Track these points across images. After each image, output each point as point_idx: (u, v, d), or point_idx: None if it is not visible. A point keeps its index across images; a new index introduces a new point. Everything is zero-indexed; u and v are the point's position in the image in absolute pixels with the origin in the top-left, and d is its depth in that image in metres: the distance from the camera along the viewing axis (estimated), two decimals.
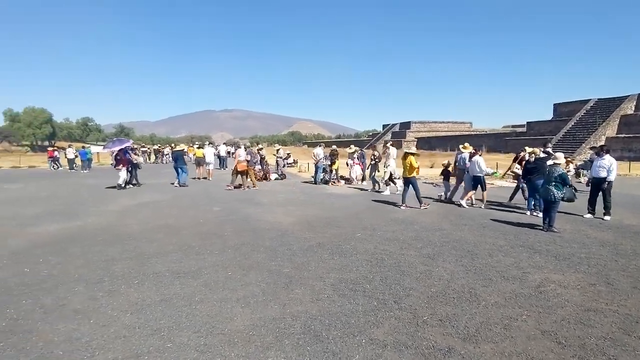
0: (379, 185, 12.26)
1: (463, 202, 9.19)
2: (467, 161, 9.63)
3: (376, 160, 12.79)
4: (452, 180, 10.52)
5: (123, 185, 12.95)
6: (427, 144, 53.59)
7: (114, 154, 13.61)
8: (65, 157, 25.30)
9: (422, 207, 8.82)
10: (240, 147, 14.99)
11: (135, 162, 14.18)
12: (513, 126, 65.02)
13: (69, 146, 26.20)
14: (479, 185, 9.14)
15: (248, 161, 13.03)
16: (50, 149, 28.96)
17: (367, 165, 14.20)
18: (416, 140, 57.03)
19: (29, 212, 8.76)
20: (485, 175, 9.29)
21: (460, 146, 10.14)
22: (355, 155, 14.71)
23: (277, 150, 19.59)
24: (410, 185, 9.08)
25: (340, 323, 3.25)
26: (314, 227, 6.95)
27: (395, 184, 12.02)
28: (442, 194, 10.51)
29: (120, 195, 11.40)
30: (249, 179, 13.00)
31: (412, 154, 9.17)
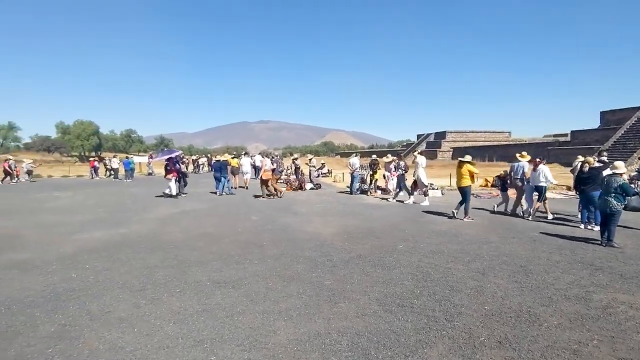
0: (408, 194, 11.82)
1: (529, 215, 8.73)
2: (525, 170, 9.13)
3: (403, 170, 12.35)
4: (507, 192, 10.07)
5: (173, 195, 13.07)
6: (463, 154, 51.79)
7: (165, 164, 13.78)
8: (105, 167, 26.80)
9: (466, 219, 8.45)
10: (267, 157, 15.18)
11: (184, 172, 14.60)
12: (554, 135, 62.09)
13: (114, 156, 27.49)
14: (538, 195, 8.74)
15: (273, 170, 13.26)
16: (91, 159, 30.57)
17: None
18: (452, 150, 55.59)
19: (77, 219, 9.11)
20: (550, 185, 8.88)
21: (517, 155, 9.68)
22: (392, 166, 14.41)
23: (310, 159, 19.62)
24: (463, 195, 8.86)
25: (389, 341, 3.05)
26: (353, 237, 6.77)
27: (426, 194, 11.69)
28: (497, 205, 10.02)
29: (162, 204, 11.70)
30: (270, 188, 13.09)
31: (469, 162, 8.86)
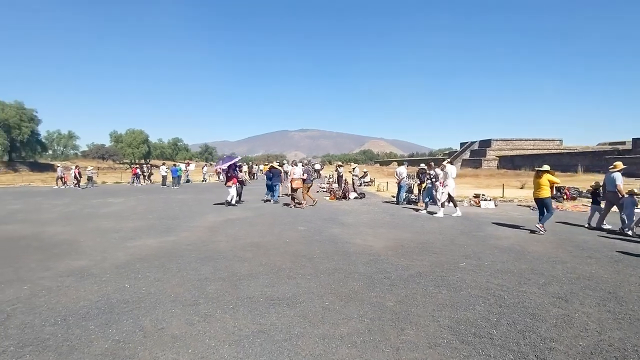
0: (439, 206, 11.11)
1: (629, 230, 7.97)
2: (618, 182, 8.34)
3: (432, 179, 11.67)
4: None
5: (232, 202, 13.12)
6: (510, 162, 49.63)
7: (224, 171, 13.73)
8: (143, 174, 28.26)
9: (538, 225, 8.06)
10: (297, 165, 14.96)
11: (241, 179, 14.68)
12: (610, 143, 57.97)
13: (163, 164, 28.53)
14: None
15: (304, 179, 13.26)
16: (133, 166, 32.03)
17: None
18: (497, 159, 53.19)
19: (129, 225, 9.31)
20: None
21: (610, 167, 8.87)
22: (437, 173, 13.78)
23: (353, 168, 19.26)
24: (544, 207, 8.39)
25: None
26: (408, 252, 6.34)
27: (456, 205, 11.04)
28: (589, 220, 9.22)
29: (208, 211, 11.79)
30: (298, 196, 13.23)
31: (548, 171, 8.26)
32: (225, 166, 13.46)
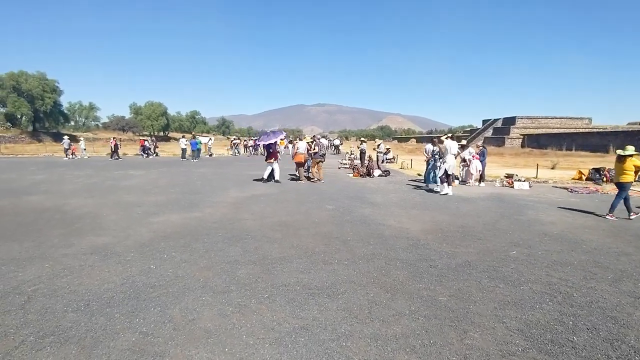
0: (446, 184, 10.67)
1: None
2: None
3: (436, 155, 11.08)
4: None
5: (274, 178, 12.55)
6: (535, 142, 47.81)
7: (266, 147, 12.78)
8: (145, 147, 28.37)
9: (609, 217, 7.55)
10: (301, 140, 14.64)
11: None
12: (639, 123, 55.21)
13: (183, 136, 28.31)
14: None
15: (314, 153, 13.15)
16: (142, 138, 31.99)
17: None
18: (522, 137, 51.31)
19: (152, 199, 9.07)
20: None
21: None
22: (470, 151, 13.08)
23: (378, 145, 18.60)
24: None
25: None
26: (449, 237, 5.86)
27: (449, 183, 10.57)
28: None
29: (231, 187, 11.48)
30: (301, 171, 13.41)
31: (634, 155, 7.56)
32: (272, 141, 12.65)
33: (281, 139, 15.29)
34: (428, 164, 12.82)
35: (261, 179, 12.75)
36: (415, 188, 11.84)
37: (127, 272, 4.22)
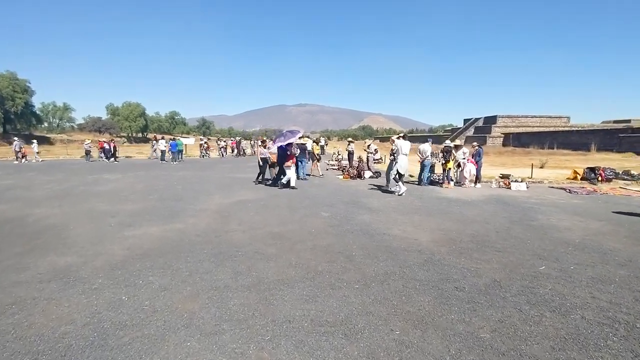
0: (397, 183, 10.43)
1: None
2: None
3: (394, 154, 10.74)
4: None
5: (294, 185, 11.21)
6: (516, 140, 48.30)
7: (282, 148, 11.55)
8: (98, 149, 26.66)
9: None
10: (271, 140, 14.08)
11: (265, 157, 13.09)
12: (615, 121, 56.65)
13: (162, 138, 27.12)
14: None
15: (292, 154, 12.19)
16: (101, 140, 29.73)
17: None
18: (503, 136, 51.80)
19: (127, 208, 8.19)
20: None
21: None
22: (464, 151, 12.59)
23: (368, 145, 18.00)
24: None
25: None
26: (464, 249, 5.24)
27: (398, 182, 10.28)
28: None
29: (214, 192, 10.64)
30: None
31: None
32: (290, 141, 11.55)
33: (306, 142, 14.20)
34: (423, 165, 12.28)
35: (267, 183, 11.81)
36: (410, 190, 11.25)
37: (93, 307, 3.43)
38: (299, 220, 7.00)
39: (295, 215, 7.45)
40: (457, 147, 12.63)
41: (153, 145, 28.34)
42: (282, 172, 11.70)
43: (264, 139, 14.34)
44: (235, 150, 33.21)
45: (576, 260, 4.80)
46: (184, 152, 27.36)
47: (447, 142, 12.67)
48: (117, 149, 27.60)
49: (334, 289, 3.86)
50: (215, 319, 3.21)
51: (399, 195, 10.07)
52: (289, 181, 11.19)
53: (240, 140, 36.43)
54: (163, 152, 25.00)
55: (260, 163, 12.52)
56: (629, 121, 53.37)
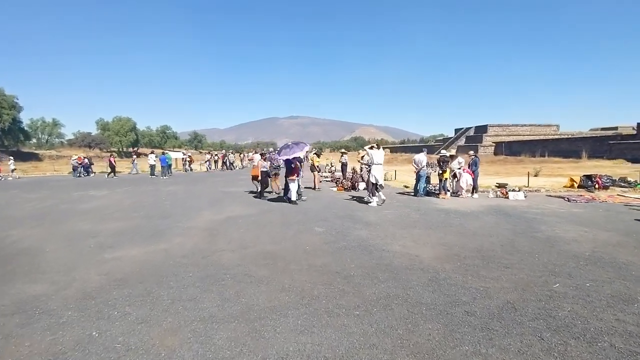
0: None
1: None
2: None
3: (368, 165, 10.86)
4: None
5: (293, 200, 10.71)
6: (507, 149, 48.56)
7: (287, 162, 10.96)
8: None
9: None
10: (256, 153, 14.42)
11: (266, 169, 12.42)
12: (602, 129, 57.42)
13: (151, 152, 26.64)
14: None
15: (276, 167, 12.24)
16: (81, 155, 28.58)
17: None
18: (494, 145, 52.07)
19: (111, 227, 7.73)
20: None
21: None
22: (460, 161, 12.32)
23: (362, 156, 17.72)
24: None
25: None
26: (470, 266, 4.89)
27: (375, 194, 10.30)
28: None
29: (203, 208, 10.22)
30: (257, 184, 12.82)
31: None
32: (296, 155, 11.00)
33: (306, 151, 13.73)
34: (419, 175, 11.99)
35: (285, 200, 10.92)
36: (406, 202, 10.92)
37: (57, 346, 3.00)
38: (292, 237, 6.61)
39: (288, 232, 7.06)
40: (452, 157, 12.37)
41: (134, 161, 27.69)
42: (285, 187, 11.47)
43: (264, 151, 13.90)
44: (220, 164, 32.54)
45: (591, 276, 4.47)
46: (173, 166, 26.87)
47: (443, 151, 12.40)
48: (92, 164, 26.97)
49: (331, 316, 3.47)
50: (198, 358, 2.80)
51: (378, 205, 10.12)
52: (291, 195, 10.75)
53: (226, 153, 35.63)
54: (153, 166, 24.52)
55: (259, 177, 12.05)
56: (616, 128, 54.08)
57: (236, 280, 4.45)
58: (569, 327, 3.20)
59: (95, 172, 26.44)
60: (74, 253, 5.78)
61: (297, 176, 11.11)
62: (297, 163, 11.11)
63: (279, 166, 12.42)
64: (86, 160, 25.96)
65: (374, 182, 10.24)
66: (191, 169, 29.60)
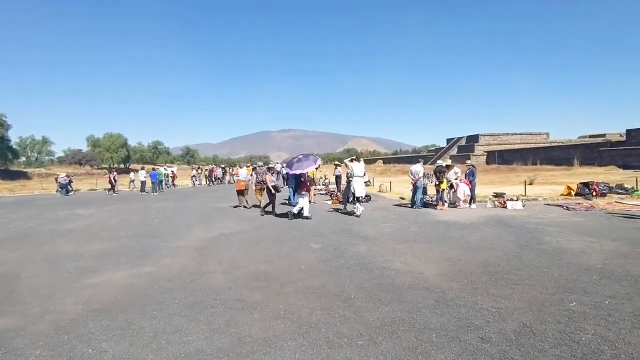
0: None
1: None
2: None
3: (348, 178, 11.04)
4: None
5: (304, 214, 10.22)
6: (499, 157, 48.79)
7: (294, 177, 10.70)
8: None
9: None
10: (242, 168, 14.71)
11: (274, 184, 12.00)
12: (590, 136, 58.18)
13: (142, 168, 26.16)
14: None
15: (260, 181, 12.23)
16: (60, 174, 27.21)
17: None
18: (486, 154, 52.31)
19: (94, 248, 7.32)
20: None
21: None
22: (456, 171, 12.10)
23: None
24: None
25: None
26: (477, 283, 4.57)
27: (358, 203, 10.37)
28: None
29: (194, 225, 9.83)
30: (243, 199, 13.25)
31: None
32: (306, 170, 10.54)
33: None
34: (416, 187, 11.73)
35: (288, 216, 10.37)
36: (404, 214, 10.63)
37: None
38: (287, 255, 6.26)
39: (283, 249, 6.70)
40: (448, 167, 12.16)
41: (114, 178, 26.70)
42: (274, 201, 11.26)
43: (270, 165, 13.49)
44: (207, 180, 31.28)
45: (607, 291, 4.17)
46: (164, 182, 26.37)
47: (440, 161, 12.17)
48: (71, 181, 25.78)
49: (332, 347, 3.12)
50: None
51: (356, 216, 10.19)
52: (300, 211, 10.26)
53: (212, 168, 34.59)
54: (143, 182, 24.04)
55: (245, 191, 11.73)
56: (604, 135, 54.79)
57: (227, 306, 4.08)
58: (596, 354, 2.89)
59: (74, 190, 25.49)
60: (52, 279, 5.37)
61: (308, 191, 10.81)
62: (307, 177, 10.78)
63: (262, 180, 12.23)
64: (66, 179, 24.98)
65: (357, 194, 10.31)
66: (174, 185, 28.82)
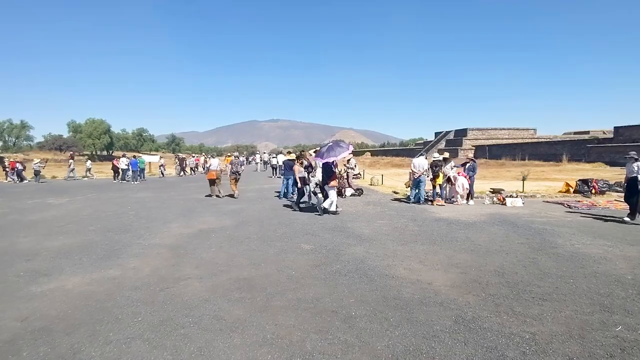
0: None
1: None
2: None
3: (349, 170, 11.02)
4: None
5: (333, 209, 9.28)
6: (488, 152, 48.72)
7: (326, 164, 9.42)
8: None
9: None
10: (214, 157, 14.80)
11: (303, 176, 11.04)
12: (575, 132, 58.75)
13: (123, 155, 24.93)
14: None
15: (235, 172, 12.88)
16: (13, 159, 24.60)
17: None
18: (474, 148, 52.18)
19: (56, 244, 6.46)
20: None
21: None
22: (451, 165, 11.48)
23: (348, 160, 16.75)
24: None
25: None
26: (498, 297, 3.91)
27: (317, 194, 9.80)
28: None
29: (172, 219, 8.99)
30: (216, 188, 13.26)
31: None
32: (336, 158, 9.43)
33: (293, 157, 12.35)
34: (419, 181, 11.02)
35: (318, 212, 9.40)
36: (400, 210, 9.97)
37: None
38: (275, 258, 5.51)
39: (270, 250, 5.95)
40: (445, 160, 11.53)
41: (70, 165, 24.89)
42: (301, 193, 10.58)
43: (300, 154, 12.29)
44: (180, 169, 28.71)
45: None
46: (146, 170, 25.19)
47: (436, 155, 11.49)
48: (24, 169, 23.34)
49: None
50: None
51: (333, 213, 9.29)
52: (330, 205, 9.25)
53: (184, 158, 32.38)
54: (124, 171, 22.86)
55: (299, 184, 10.46)
56: (588, 132, 55.30)
57: (201, 326, 3.33)
58: None
59: (39, 178, 22.71)
60: None
61: (337, 184, 9.86)
62: (334, 168, 9.63)
63: (238, 171, 12.96)
64: (18, 166, 22.64)
65: (317, 184, 9.85)
66: (143, 177, 26.48)
